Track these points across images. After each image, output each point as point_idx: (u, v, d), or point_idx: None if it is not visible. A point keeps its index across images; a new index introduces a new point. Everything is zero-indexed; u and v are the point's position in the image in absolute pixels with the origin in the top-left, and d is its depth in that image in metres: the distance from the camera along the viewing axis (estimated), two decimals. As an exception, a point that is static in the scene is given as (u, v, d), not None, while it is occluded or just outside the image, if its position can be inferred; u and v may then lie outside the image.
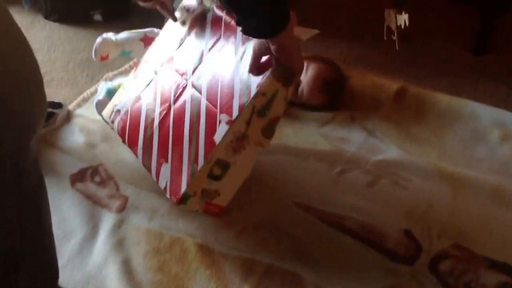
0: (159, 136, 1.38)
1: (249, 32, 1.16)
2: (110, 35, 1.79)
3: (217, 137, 1.24)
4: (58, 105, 1.76)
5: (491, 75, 2.06)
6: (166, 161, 1.34)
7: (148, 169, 1.38)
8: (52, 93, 1.89)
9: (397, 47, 2.14)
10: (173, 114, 1.37)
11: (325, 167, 1.63)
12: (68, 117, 1.77)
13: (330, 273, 1.35)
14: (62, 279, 1.25)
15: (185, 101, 1.36)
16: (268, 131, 1.29)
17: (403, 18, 2.04)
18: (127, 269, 1.33)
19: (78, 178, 1.57)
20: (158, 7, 1.50)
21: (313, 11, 2.38)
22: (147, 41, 1.70)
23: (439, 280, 1.34)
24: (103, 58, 1.80)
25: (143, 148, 1.40)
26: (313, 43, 2.18)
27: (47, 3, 2.28)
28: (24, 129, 0.90)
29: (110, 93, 1.76)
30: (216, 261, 1.37)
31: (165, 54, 1.51)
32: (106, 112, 1.59)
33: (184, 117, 1.33)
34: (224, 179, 1.31)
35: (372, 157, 1.67)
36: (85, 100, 1.84)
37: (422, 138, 1.75)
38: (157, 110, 1.41)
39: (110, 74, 1.96)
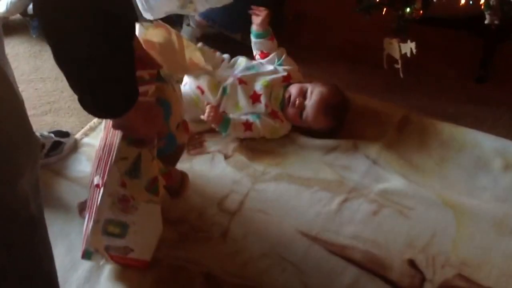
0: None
1: (83, 107, 1.06)
2: None
3: (99, 200, 1.26)
4: (66, 134, 1.78)
5: (493, 103, 2.08)
6: (88, 213, 1.39)
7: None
8: (59, 122, 1.92)
9: (401, 75, 2.15)
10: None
11: (329, 196, 1.65)
12: (75, 146, 1.80)
13: (335, 303, 1.36)
14: (69, 309, 1.27)
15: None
16: (153, 189, 1.29)
17: (409, 46, 2.06)
18: (133, 299, 1.35)
19: (85, 206, 1.58)
20: None
21: (313, 39, 2.41)
22: None
23: (443, 311, 1.36)
24: None
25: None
26: (314, 70, 2.22)
27: (55, 32, 2.31)
28: (6, 175, 0.91)
29: None
30: (222, 290, 1.38)
31: None
32: None
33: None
34: (129, 237, 1.31)
35: (376, 185, 1.68)
36: (92, 129, 1.86)
37: (425, 167, 1.77)
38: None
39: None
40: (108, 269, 1.41)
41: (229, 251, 1.48)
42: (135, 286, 1.38)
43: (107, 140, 1.36)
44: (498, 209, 1.60)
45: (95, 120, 1.90)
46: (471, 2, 1.96)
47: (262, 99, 1.83)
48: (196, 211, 1.58)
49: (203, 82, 1.83)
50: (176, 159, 1.50)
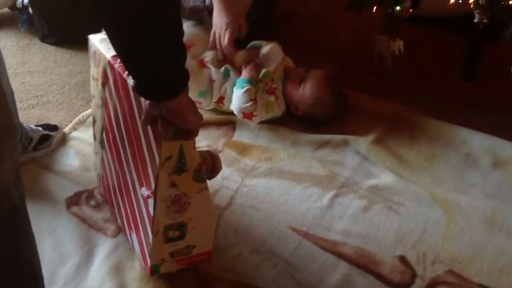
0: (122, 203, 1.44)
1: (140, 93, 1.08)
2: None
3: (151, 211, 1.25)
4: (54, 128, 1.76)
5: (480, 101, 2.09)
6: (132, 231, 1.41)
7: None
8: (48, 116, 1.90)
9: (390, 72, 2.17)
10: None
11: (319, 192, 1.64)
12: (64, 139, 1.78)
13: (326, 299, 1.36)
14: (58, 304, 1.26)
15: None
16: (200, 177, 1.26)
17: (397, 45, 2.08)
18: (122, 294, 1.33)
19: (73, 201, 1.57)
20: None
21: (304, 37, 2.41)
22: None
23: (434, 307, 1.36)
24: None
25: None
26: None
27: (43, 26, 2.29)
28: None
29: None
30: (212, 285, 1.37)
31: None
32: None
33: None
34: (189, 235, 1.32)
35: (366, 181, 1.68)
36: (81, 123, 1.85)
37: (415, 163, 1.77)
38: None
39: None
40: (96, 263, 1.40)
41: (219, 246, 1.47)
42: (124, 281, 1.36)
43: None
44: (488, 206, 1.61)
45: (84, 113, 1.89)
46: (460, 1, 1.98)
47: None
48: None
49: (208, 58, 1.92)
50: None
